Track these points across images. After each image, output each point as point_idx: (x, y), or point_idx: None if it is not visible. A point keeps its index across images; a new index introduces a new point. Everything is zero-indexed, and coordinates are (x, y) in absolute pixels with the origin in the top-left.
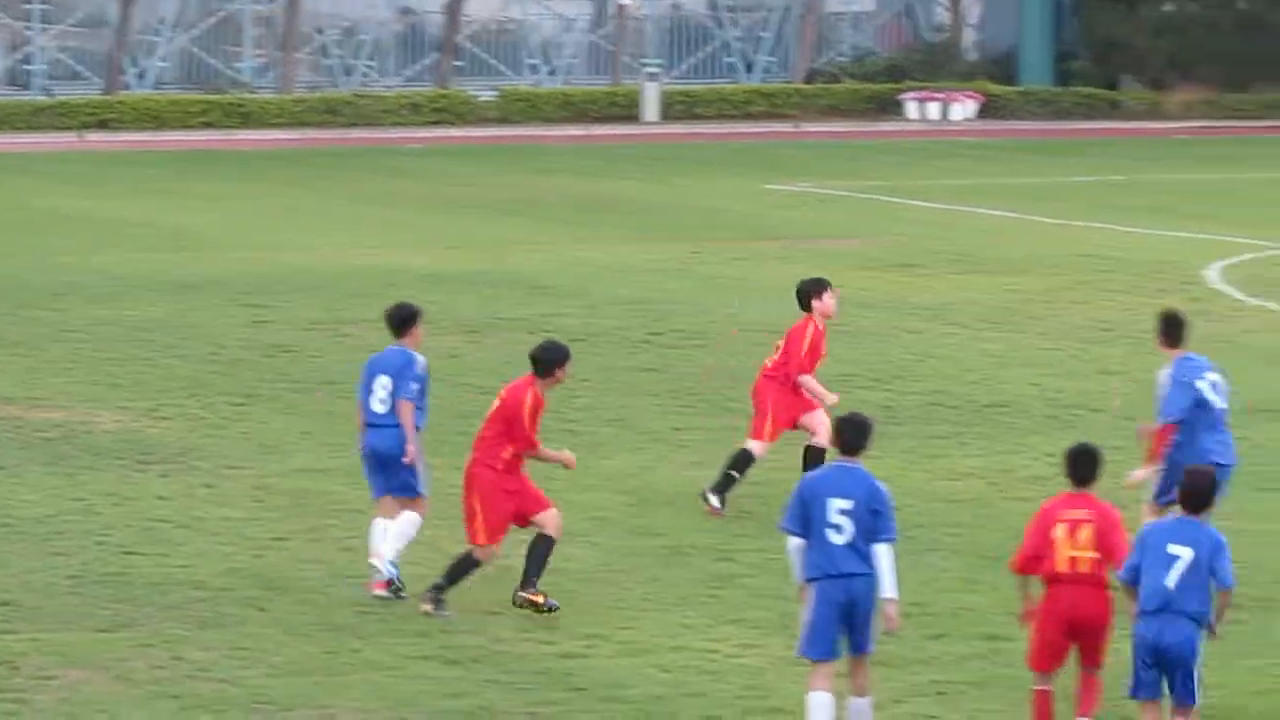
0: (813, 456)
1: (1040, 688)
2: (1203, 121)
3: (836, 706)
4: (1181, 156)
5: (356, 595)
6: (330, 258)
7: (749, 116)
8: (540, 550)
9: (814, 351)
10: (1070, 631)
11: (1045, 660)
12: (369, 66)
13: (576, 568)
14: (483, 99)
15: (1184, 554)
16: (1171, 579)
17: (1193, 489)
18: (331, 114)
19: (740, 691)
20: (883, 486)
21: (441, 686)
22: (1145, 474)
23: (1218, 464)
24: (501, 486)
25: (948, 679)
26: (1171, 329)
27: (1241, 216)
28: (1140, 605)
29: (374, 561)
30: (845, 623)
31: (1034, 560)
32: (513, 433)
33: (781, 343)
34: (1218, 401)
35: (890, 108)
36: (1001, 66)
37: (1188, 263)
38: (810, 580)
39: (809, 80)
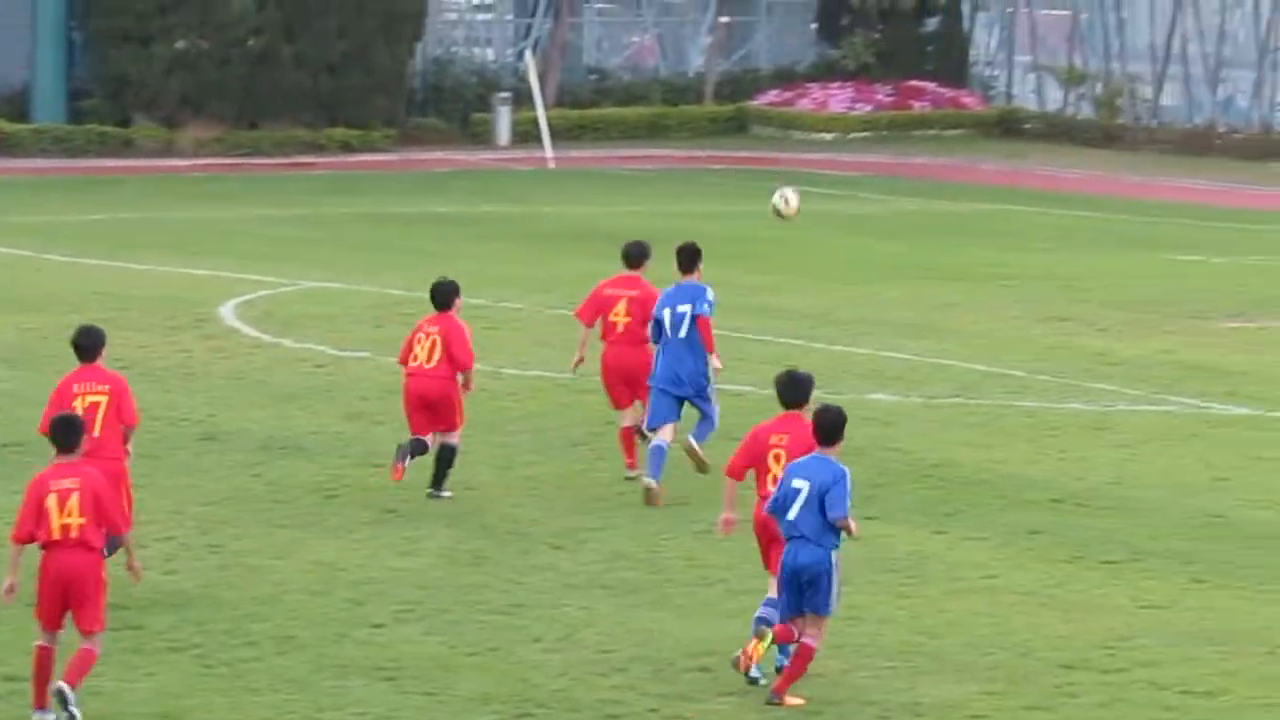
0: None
1: (41, 644)
2: (215, 159)
3: None
4: (194, 194)
5: None
6: None
7: None
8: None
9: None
10: (64, 595)
11: (46, 621)
12: None
13: None
14: None
15: (803, 487)
16: (793, 512)
17: (820, 424)
18: None
19: None
20: None
21: None
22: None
23: (657, 387)
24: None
25: None
26: (678, 258)
27: (254, 253)
28: (782, 533)
29: None
30: None
31: (31, 530)
32: (132, 417)
33: (435, 343)
34: (669, 330)
35: None
36: (14, 104)
37: (203, 300)
38: None
39: None
